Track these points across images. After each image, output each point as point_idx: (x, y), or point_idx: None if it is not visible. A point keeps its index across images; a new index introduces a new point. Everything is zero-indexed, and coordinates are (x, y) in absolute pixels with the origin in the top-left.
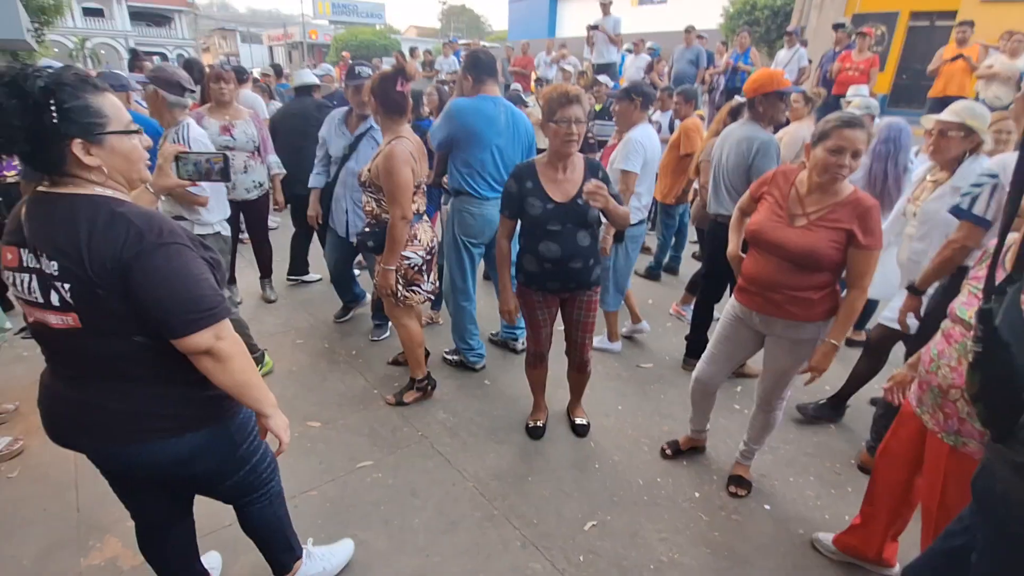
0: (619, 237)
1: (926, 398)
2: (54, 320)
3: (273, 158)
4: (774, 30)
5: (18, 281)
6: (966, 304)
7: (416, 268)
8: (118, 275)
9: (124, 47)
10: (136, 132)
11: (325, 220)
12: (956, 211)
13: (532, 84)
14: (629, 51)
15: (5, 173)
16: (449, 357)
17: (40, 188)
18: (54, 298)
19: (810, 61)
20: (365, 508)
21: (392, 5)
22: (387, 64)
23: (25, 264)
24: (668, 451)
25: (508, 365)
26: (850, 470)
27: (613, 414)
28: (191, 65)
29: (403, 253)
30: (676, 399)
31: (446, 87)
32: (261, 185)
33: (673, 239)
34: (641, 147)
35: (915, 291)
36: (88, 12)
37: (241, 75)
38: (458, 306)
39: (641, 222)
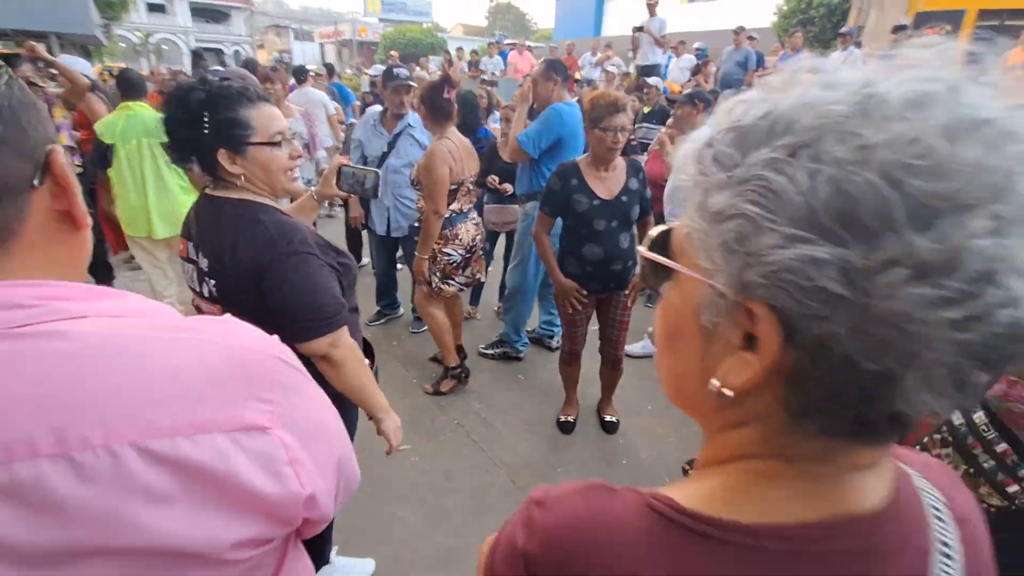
0: None
1: None
2: (205, 308)
3: (322, 153)
4: (830, 30)
5: (187, 269)
6: None
7: (454, 265)
8: (254, 279)
9: (185, 43)
10: (276, 144)
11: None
12: None
13: (574, 85)
14: (673, 50)
15: (76, 164)
16: (487, 352)
17: (206, 189)
18: (205, 290)
19: (865, 63)
20: (403, 488)
21: (439, 3)
22: (434, 64)
23: (191, 256)
24: (689, 469)
25: (542, 361)
26: None
27: (643, 413)
28: (248, 65)
29: (444, 250)
30: None
31: (494, 87)
32: (310, 182)
33: None
34: None
35: None
36: (152, 8)
37: (301, 74)
38: (527, 302)
39: None
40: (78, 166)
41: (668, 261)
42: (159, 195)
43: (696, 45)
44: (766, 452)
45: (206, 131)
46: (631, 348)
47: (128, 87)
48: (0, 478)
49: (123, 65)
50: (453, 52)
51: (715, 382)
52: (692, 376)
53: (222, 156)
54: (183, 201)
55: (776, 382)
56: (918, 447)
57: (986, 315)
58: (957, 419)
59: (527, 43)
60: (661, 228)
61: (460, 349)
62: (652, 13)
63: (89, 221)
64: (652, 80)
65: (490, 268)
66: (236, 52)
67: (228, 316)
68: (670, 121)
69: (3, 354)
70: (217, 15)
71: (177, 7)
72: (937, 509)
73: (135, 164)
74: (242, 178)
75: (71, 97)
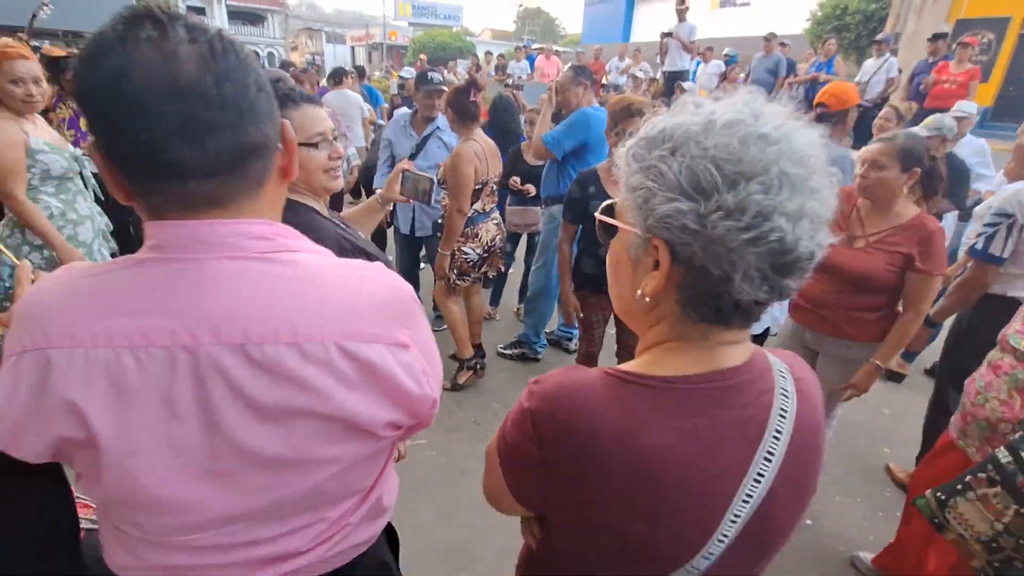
0: None
1: (971, 430)
2: None
3: (351, 151)
4: (865, 36)
5: None
6: (1020, 333)
7: (471, 263)
8: None
9: None
10: (313, 145)
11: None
12: (972, 252)
13: (600, 90)
14: (701, 55)
15: (82, 144)
16: (505, 352)
17: None
18: None
19: (900, 71)
20: (416, 482)
21: (469, 8)
22: (462, 67)
23: None
24: None
25: (560, 363)
26: (902, 495)
27: None
28: (284, 67)
29: (463, 249)
30: None
31: (520, 91)
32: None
33: None
34: None
35: (929, 323)
36: (191, 11)
37: (339, 76)
38: (549, 304)
39: None
40: None
41: (611, 220)
42: None
43: (725, 51)
44: (672, 337)
45: None
46: None
47: None
48: (255, 355)
49: None
50: (481, 56)
51: (639, 292)
52: (628, 292)
53: None
54: None
55: (672, 290)
56: (960, 486)
57: (765, 236)
58: (1004, 456)
59: (554, 48)
60: (608, 202)
61: (479, 348)
62: (681, 19)
63: (296, 172)
64: (687, 85)
65: (511, 269)
66: (270, 54)
67: (379, 263)
68: None
69: (257, 271)
70: (253, 18)
71: (215, 10)
72: (781, 372)
73: None
74: None
75: None
